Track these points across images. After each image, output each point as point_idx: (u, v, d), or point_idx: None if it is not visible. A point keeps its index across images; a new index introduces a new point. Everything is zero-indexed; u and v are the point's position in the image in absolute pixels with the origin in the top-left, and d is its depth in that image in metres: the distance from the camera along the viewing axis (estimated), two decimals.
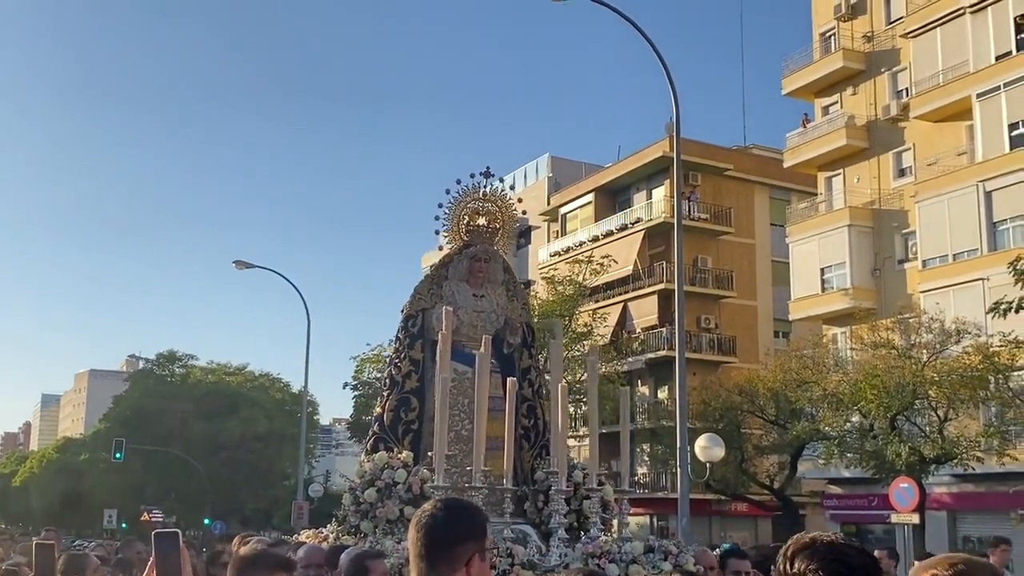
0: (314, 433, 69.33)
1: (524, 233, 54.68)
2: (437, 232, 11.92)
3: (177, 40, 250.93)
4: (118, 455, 54.52)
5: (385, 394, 11.52)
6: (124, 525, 68.70)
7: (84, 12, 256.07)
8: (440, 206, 11.70)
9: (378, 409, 11.61)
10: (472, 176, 11.80)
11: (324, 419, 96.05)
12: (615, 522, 11.17)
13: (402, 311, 11.80)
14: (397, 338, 11.83)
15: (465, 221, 11.76)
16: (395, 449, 10.63)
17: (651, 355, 45.57)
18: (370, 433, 11.59)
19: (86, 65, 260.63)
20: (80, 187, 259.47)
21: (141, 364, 76.04)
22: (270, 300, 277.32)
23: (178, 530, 3.17)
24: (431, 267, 12.32)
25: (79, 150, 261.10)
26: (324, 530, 11.22)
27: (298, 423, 48.08)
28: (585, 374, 36.82)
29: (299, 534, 11.89)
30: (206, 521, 58.44)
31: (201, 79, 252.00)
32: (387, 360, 43.16)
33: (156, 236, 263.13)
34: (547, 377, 12.62)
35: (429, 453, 10.04)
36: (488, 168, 11.96)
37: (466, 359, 10.82)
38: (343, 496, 10.72)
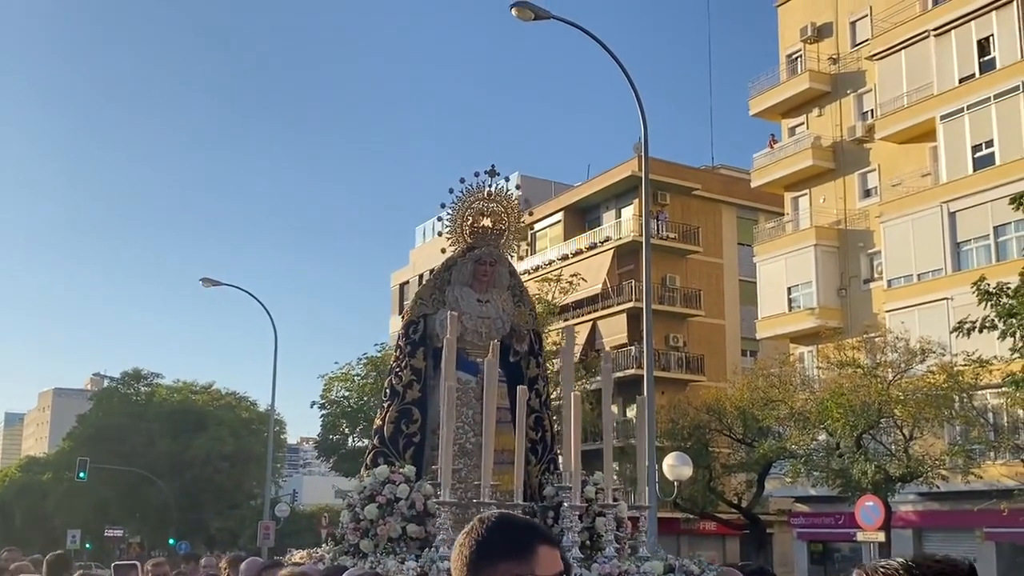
0: (281, 452, 68.80)
1: None
2: (440, 233, 11.32)
3: (147, 50, 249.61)
4: (82, 474, 53.99)
5: (385, 405, 10.84)
6: (88, 545, 67.89)
7: (61, 22, 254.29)
8: (443, 206, 11.04)
9: (378, 421, 10.98)
10: (476, 175, 11.07)
11: (291, 438, 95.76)
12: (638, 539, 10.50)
13: (402, 317, 11.22)
14: (398, 345, 11.20)
15: (469, 222, 11.07)
16: (396, 463, 10.06)
17: (620, 373, 45.57)
18: (369, 446, 11.00)
19: (54, 72, 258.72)
20: (43, 204, 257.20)
21: (106, 383, 75.34)
22: (237, 318, 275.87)
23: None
24: (433, 270, 11.56)
25: (44, 167, 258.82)
26: (319, 550, 10.62)
27: (265, 442, 47.79)
28: (556, 391, 36.95)
29: (292, 554, 11.25)
30: (171, 541, 57.89)
31: (171, 92, 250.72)
32: (387, 369, 42.92)
33: (122, 253, 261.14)
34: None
35: (434, 467, 9.52)
36: (493, 166, 11.18)
37: (470, 368, 10.33)
38: (341, 513, 10.19)
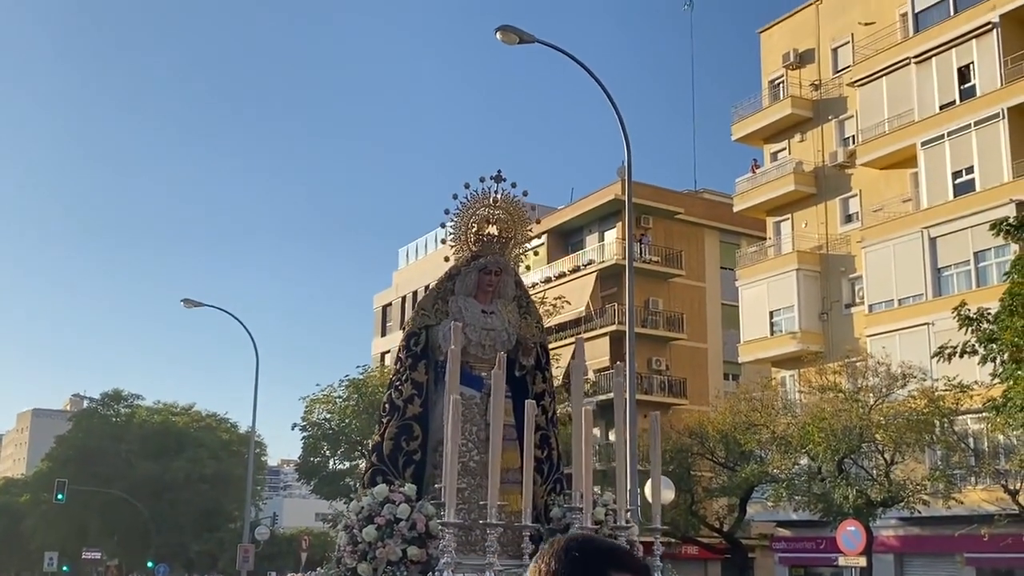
0: (261, 475, 68.50)
1: None
2: (443, 241, 10.80)
3: (119, 69, 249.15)
4: (60, 496, 53.54)
5: (384, 420, 10.20)
6: (66, 568, 67.24)
7: (34, 29, 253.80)
8: (447, 212, 10.54)
9: (376, 437, 10.39)
10: (482, 180, 10.51)
11: (272, 460, 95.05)
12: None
13: (403, 328, 10.76)
14: (398, 358, 10.62)
15: (474, 230, 10.53)
16: (396, 482, 9.52)
17: (602, 397, 45.64)
18: (367, 464, 10.42)
19: (33, 84, 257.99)
20: (21, 220, 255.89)
21: (85, 403, 74.87)
22: (219, 339, 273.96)
23: None
24: (428, 285, 11.14)
25: (23, 182, 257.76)
26: (313, 574, 10.23)
27: (245, 464, 47.52)
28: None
29: None
30: (149, 564, 57.42)
31: (151, 108, 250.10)
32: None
33: (103, 273, 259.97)
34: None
35: (436, 485, 9.05)
36: (499, 172, 10.59)
37: (474, 383, 9.90)
38: (338, 535, 9.70)
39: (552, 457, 10.54)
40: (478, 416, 9.89)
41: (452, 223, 10.62)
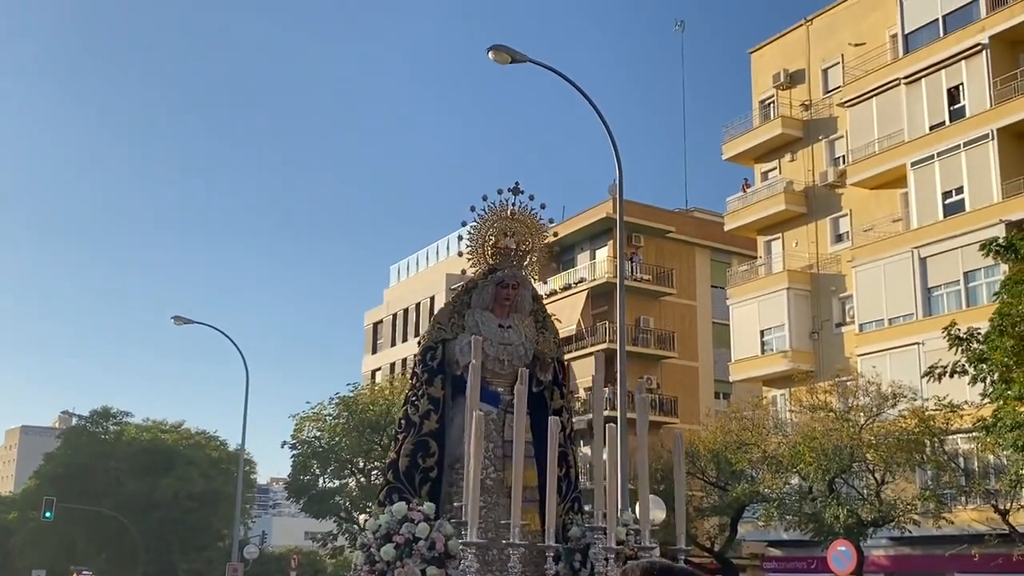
0: (251, 493, 68.08)
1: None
2: (460, 254, 10.60)
3: (107, 82, 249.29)
4: (48, 514, 53.28)
5: (400, 437, 10.02)
6: None
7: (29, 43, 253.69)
8: (464, 224, 10.44)
9: (392, 454, 10.17)
10: (499, 192, 10.36)
11: (261, 478, 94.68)
12: None
13: (419, 343, 10.56)
14: (414, 373, 10.42)
15: (491, 242, 10.36)
16: (413, 500, 9.34)
17: (592, 415, 45.61)
18: (383, 481, 10.22)
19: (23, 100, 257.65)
20: (10, 236, 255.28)
21: (74, 421, 74.61)
22: (208, 357, 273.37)
23: None
24: (452, 293, 10.74)
25: (7, 197, 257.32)
26: None
27: (234, 482, 47.34)
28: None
29: None
30: None
31: (141, 125, 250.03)
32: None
33: (92, 288, 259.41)
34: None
35: (456, 504, 8.88)
36: (517, 184, 10.47)
37: (490, 398, 9.67)
38: (355, 555, 9.55)
39: (570, 475, 10.32)
40: (495, 432, 9.67)
41: (469, 235, 10.47)
